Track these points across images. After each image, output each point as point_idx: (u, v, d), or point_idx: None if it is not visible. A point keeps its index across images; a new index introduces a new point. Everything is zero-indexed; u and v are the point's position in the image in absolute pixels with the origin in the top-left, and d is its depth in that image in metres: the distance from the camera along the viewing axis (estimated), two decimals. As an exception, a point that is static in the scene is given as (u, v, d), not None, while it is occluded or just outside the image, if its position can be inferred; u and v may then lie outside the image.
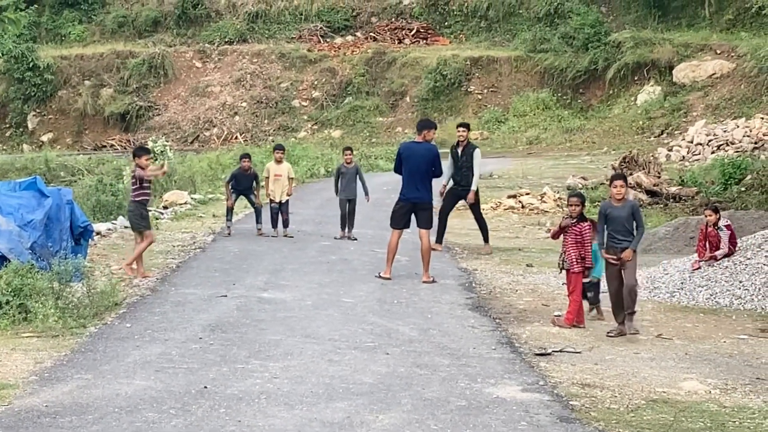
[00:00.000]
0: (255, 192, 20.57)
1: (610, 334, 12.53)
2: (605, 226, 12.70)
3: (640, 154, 29.02)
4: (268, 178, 20.53)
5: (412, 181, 16.14)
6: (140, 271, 15.91)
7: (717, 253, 15.89)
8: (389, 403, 9.25)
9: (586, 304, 13.65)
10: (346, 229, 20.55)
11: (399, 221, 16.39)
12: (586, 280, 13.34)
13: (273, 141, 46.72)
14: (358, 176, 20.72)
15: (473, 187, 19.32)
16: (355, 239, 20.30)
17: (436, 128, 16.81)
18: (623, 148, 37.78)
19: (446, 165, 19.04)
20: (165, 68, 55.51)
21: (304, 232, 21.08)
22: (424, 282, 16.01)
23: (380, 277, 16.19)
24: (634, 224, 12.73)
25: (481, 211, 20.22)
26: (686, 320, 13.80)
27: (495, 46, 53.53)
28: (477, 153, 19.37)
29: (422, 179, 16.11)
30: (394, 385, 9.87)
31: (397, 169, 16.45)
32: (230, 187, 20.45)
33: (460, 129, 19.90)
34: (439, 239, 19.54)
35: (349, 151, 21.28)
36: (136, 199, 16.28)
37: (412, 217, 16.36)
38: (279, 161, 20.67)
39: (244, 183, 20.51)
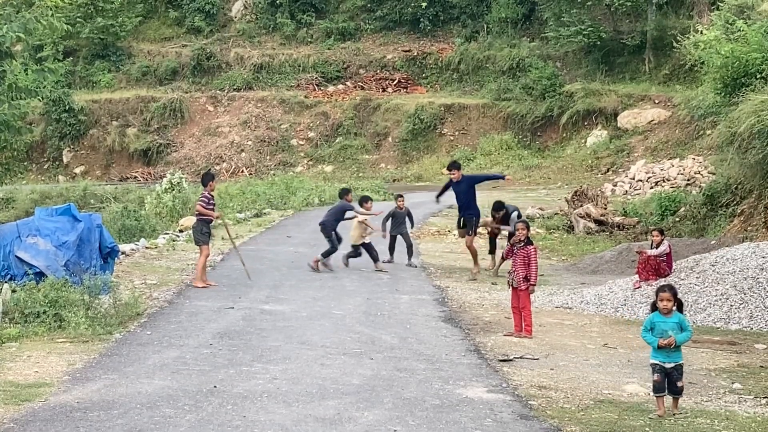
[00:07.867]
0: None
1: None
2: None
3: (589, 188, 29.05)
4: None
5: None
6: (205, 280, 16.39)
7: (649, 251, 16.01)
8: (373, 401, 9.24)
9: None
10: (398, 257, 20.29)
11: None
12: (670, 365, 9.32)
13: (274, 175, 46.71)
14: (407, 217, 20.63)
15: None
16: (416, 266, 20.01)
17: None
18: (575, 184, 37.83)
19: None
20: (182, 111, 55.39)
21: (300, 254, 21.05)
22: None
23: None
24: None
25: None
26: (628, 332, 13.81)
27: (465, 95, 53.55)
28: (514, 214, 20.51)
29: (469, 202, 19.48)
30: (378, 386, 9.86)
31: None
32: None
33: (495, 213, 20.76)
34: None
35: (401, 198, 21.11)
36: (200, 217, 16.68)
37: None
38: None
39: None
